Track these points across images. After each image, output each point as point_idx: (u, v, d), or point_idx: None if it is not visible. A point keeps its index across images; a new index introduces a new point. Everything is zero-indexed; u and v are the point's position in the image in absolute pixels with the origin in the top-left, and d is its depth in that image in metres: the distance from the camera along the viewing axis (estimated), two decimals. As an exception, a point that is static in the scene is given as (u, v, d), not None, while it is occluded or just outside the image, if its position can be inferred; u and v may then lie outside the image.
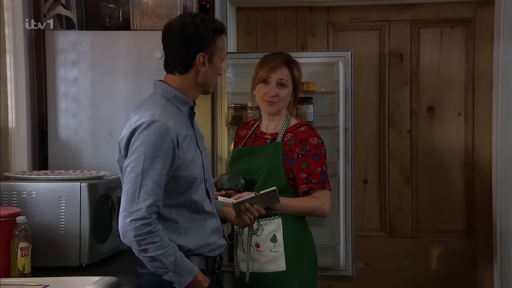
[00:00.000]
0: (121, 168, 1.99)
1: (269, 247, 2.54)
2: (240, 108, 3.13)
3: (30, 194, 2.31)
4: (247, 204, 2.20)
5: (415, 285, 3.48)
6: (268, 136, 2.66)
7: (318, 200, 2.54)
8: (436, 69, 3.44)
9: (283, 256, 2.53)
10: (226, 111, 3.13)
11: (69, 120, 2.83)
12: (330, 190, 2.59)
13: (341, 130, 3.02)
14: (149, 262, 1.91)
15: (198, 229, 2.03)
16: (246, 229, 2.56)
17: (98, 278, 2.00)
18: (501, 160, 3.29)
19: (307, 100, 3.06)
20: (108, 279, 2.00)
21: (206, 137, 3.05)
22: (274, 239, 2.55)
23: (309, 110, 3.06)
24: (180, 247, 1.96)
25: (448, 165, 3.43)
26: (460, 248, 3.43)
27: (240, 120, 3.12)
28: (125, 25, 2.84)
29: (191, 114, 2.09)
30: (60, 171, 2.63)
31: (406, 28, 3.45)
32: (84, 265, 2.31)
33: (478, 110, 3.40)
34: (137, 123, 1.93)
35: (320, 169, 2.55)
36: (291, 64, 2.64)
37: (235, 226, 2.58)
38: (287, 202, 2.51)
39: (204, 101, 2.90)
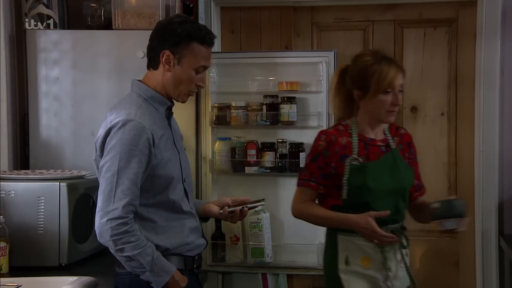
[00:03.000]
0: (98, 168, 1.98)
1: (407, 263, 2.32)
2: (224, 108, 3.14)
3: (9, 194, 2.31)
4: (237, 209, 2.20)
5: (399, 284, 3.49)
6: (381, 143, 2.35)
7: None
8: (420, 69, 3.45)
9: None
10: (210, 110, 3.14)
11: (51, 119, 2.83)
12: None
13: (325, 130, 3.03)
14: (126, 262, 1.91)
15: (176, 228, 2.03)
16: (394, 247, 2.26)
17: (75, 278, 2.00)
18: (483, 160, 3.30)
19: (290, 100, 3.07)
20: (86, 279, 2.01)
21: (190, 136, 3.08)
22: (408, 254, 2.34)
23: (292, 110, 3.07)
24: (158, 247, 1.96)
25: (431, 165, 3.44)
26: (443, 247, 3.44)
27: (224, 119, 3.13)
28: (107, 25, 2.84)
29: (169, 114, 2.09)
30: (41, 170, 2.63)
31: (389, 28, 3.46)
32: (63, 265, 2.31)
33: (461, 110, 3.42)
34: (112, 123, 1.93)
35: (419, 170, 2.45)
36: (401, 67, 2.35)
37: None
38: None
39: (188, 101, 2.89)
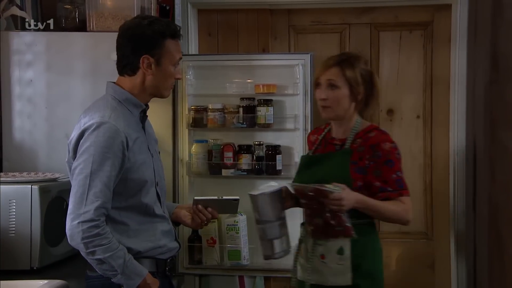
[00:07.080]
0: (70, 170, 1.97)
1: (334, 259, 2.31)
2: (201, 110, 3.13)
3: (-20, 197, 2.28)
4: (200, 206, 2.20)
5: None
6: (337, 142, 2.42)
7: (402, 205, 2.31)
8: (395, 72, 3.48)
9: (350, 270, 2.30)
10: (187, 113, 3.13)
11: (24, 121, 2.81)
12: (409, 196, 2.36)
13: (301, 132, 3.04)
14: (97, 265, 1.90)
15: (148, 231, 2.02)
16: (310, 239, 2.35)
17: (45, 281, 1.98)
18: (458, 162, 3.33)
19: (267, 103, 3.08)
20: (57, 282, 1.99)
21: (167, 139, 3.07)
22: (340, 251, 2.31)
23: (269, 112, 3.08)
24: (129, 250, 1.95)
25: (407, 167, 3.42)
26: (419, 249, 3.46)
27: (201, 122, 3.13)
28: (82, 26, 2.83)
29: (143, 117, 2.08)
30: (14, 173, 2.60)
31: (365, 32, 3.48)
32: (35, 268, 2.29)
33: (436, 112, 3.45)
34: (86, 125, 1.92)
35: (395, 175, 2.32)
36: (344, 64, 2.37)
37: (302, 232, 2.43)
38: (376, 203, 2.27)
39: (165, 103, 2.89)
